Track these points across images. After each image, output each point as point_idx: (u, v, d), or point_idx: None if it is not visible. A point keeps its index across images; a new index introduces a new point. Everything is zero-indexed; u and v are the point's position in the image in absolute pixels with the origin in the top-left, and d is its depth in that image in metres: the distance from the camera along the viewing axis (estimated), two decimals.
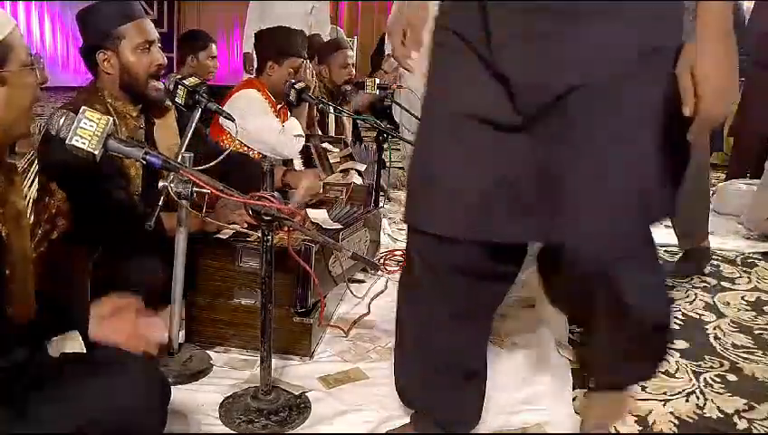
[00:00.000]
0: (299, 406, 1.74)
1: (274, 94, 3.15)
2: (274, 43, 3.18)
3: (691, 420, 1.79)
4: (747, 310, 2.59)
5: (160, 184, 1.64)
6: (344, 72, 3.97)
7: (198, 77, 2.18)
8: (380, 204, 3.29)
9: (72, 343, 1.50)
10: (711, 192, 3.26)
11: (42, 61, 1.34)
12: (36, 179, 2.10)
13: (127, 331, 1.40)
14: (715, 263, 3.09)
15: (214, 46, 3.90)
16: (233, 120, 2.17)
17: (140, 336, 1.40)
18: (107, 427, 1.23)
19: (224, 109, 2.17)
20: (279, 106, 3.20)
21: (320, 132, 3.88)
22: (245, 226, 2.06)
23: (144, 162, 1.47)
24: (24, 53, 1.27)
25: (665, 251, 3.16)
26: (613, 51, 1.17)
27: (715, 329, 2.39)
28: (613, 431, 1.70)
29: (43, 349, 1.41)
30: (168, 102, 2.16)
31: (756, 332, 2.38)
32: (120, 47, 2.01)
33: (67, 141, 1.40)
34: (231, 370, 1.93)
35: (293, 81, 3.04)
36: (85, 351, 1.47)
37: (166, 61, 2.12)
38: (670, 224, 2.88)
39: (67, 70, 10.30)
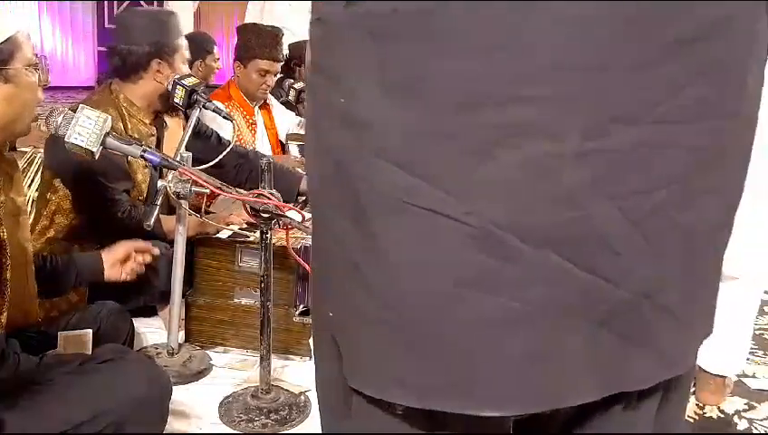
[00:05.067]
0: (299, 405, 1.74)
1: (247, 96, 3.05)
2: (240, 43, 3.07)
3: (691, 420, 1.79)
4: None
5: (159, 184, 1.64)
6: None
7: (198, 78, 2.19)
8: None
9: (84, 344, 1.51)
10: None
11: (46, 62, 1.36)
12: (37, 178, 2.11)
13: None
14: None
15: (217, 48, 3.95)
16: (231, 121, 2.17)
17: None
18: (109, 421, 1.24)
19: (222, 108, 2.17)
20: (256, 105, 3.10)
21: None
22: (244, 224, 2.06)
23: (143, 159, 1.47)
24: (29, 53, 1.29)
25: None
26: None
27: None
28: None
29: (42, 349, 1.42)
30: None
31: (757, 332, 2.37)
32: (174, 58, 2.09)
33: (66, 139, 1.41)
34: (231, 370, 1.93)
35: (292, 80, 3.03)
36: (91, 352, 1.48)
37: None
38: None
39: (68, 70, 10.31)
